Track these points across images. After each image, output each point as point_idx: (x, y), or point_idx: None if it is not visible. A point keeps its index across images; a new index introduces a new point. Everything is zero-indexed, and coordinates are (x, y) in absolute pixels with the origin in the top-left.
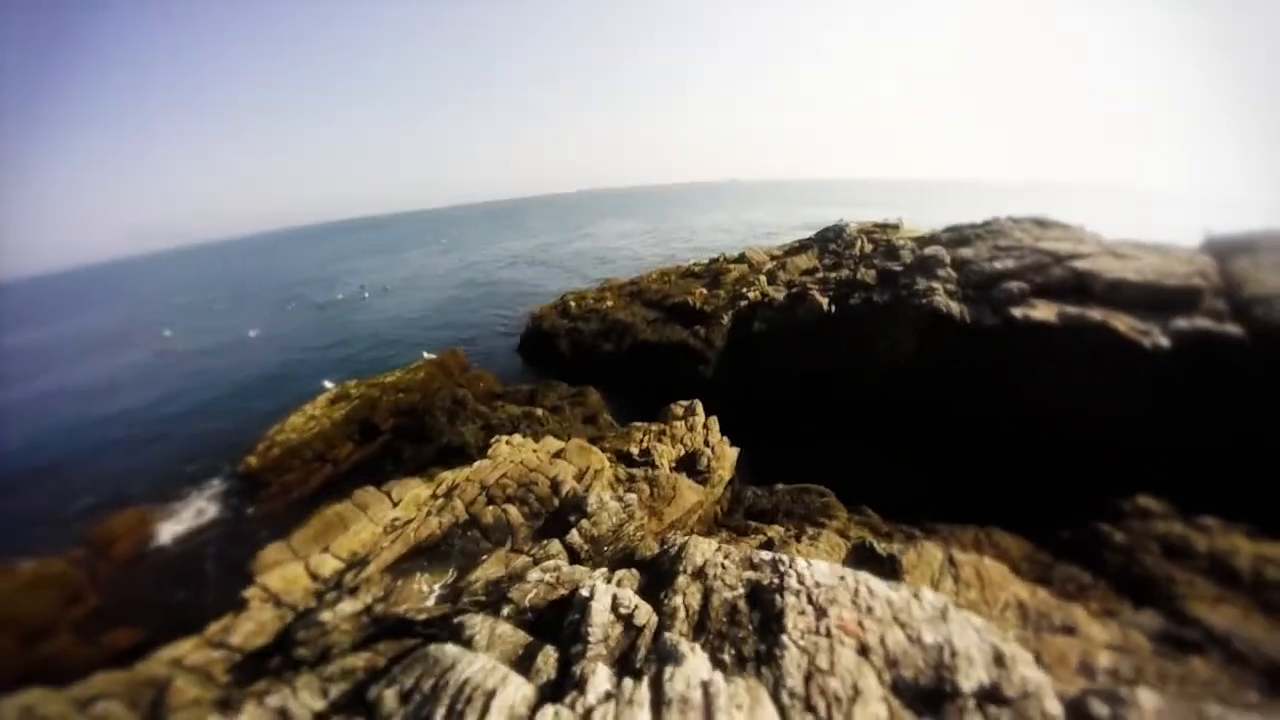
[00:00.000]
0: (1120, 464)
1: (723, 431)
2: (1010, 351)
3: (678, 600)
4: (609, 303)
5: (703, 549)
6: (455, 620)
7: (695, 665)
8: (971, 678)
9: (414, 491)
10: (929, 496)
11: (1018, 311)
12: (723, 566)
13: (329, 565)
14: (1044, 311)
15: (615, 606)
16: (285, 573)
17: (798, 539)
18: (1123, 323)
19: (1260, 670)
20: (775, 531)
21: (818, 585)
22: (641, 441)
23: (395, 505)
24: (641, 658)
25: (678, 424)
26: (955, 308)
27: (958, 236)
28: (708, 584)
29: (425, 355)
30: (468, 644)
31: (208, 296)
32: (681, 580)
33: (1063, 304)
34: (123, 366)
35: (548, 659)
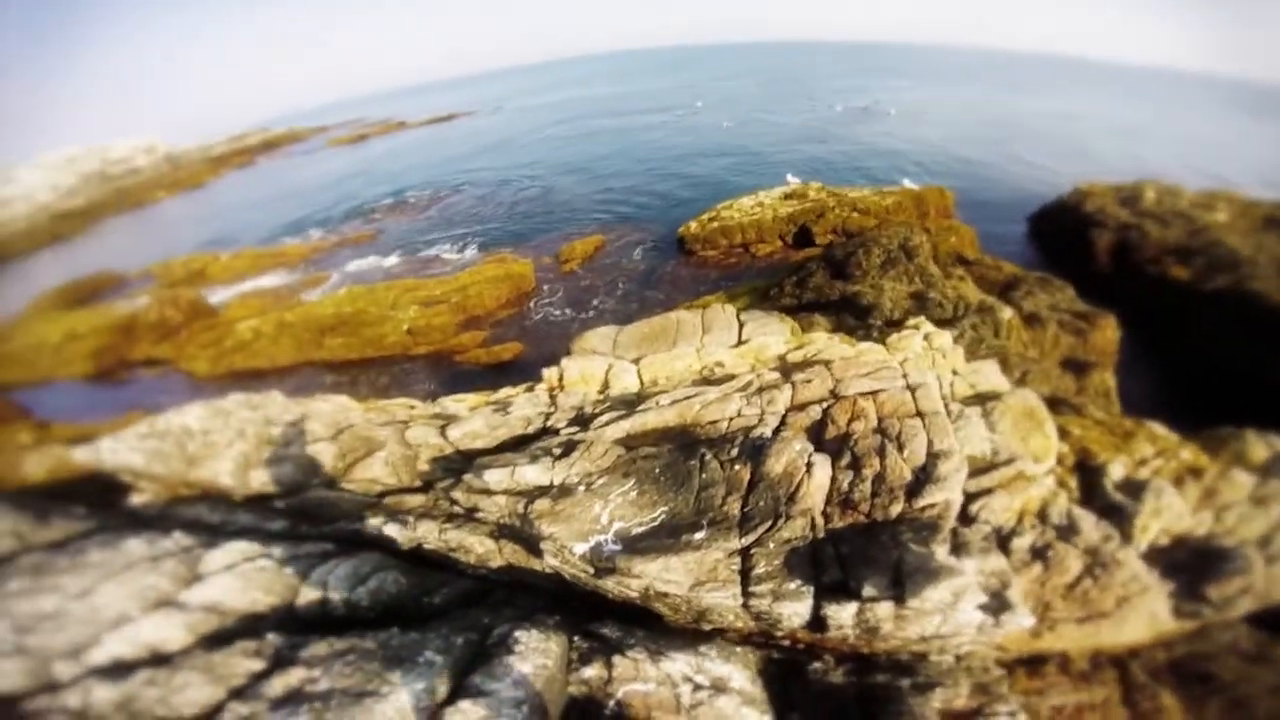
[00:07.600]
0: None
1: None
2: None
3: None
4: (1219, 215)
5: None
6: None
7: None
8: None
9: (765, 340)
10: None
11: None
12: None
13: (626, 381)
14: None
15: None
16: (586, 368)
17: None
18: None
19: None
20: None
21: None
22: (1142, 463)
23: (738, 345)
24: None
25: (1238, 475)
26: None
27: None
28: None
29: (905, 183)
30: None
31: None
32: None
33: None
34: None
35: None
